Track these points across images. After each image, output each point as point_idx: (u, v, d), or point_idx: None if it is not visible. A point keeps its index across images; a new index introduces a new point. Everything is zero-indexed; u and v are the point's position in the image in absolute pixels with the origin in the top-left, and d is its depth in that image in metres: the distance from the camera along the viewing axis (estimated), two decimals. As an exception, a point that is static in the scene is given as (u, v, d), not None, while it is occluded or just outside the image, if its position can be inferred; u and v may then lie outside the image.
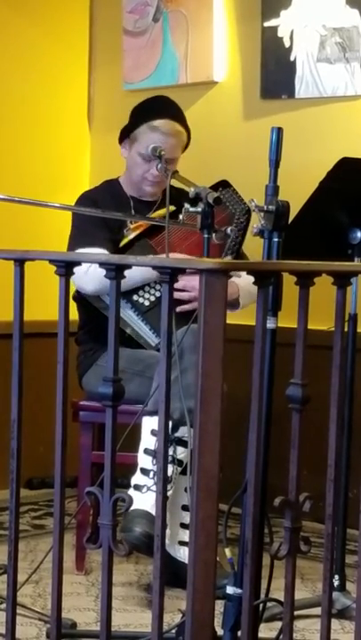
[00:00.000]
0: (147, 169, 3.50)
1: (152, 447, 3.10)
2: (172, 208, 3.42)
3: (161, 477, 1.78)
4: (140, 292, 3.42)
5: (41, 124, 4.70)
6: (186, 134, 3.53)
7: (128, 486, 3.11)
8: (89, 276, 3.26)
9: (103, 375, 1.84)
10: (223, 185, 3.33)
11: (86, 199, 3.54)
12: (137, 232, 3.45)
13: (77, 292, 3.43)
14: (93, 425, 3.41)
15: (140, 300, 3.41)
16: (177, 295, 3.24)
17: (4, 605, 2.25)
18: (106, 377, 1.82)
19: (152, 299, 3.42)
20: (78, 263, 1.95)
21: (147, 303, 3.42)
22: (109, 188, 3.63)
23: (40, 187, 4.44)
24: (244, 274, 3.28)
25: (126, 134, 3.54)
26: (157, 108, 3.54)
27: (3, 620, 2.05)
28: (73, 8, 4.83)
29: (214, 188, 3.18)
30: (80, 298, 3.44)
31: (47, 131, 4.72)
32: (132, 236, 3.45)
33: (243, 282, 3.35)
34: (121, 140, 3.57)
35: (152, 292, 3.43)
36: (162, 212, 3.46)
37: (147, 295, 3.42)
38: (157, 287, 3.42)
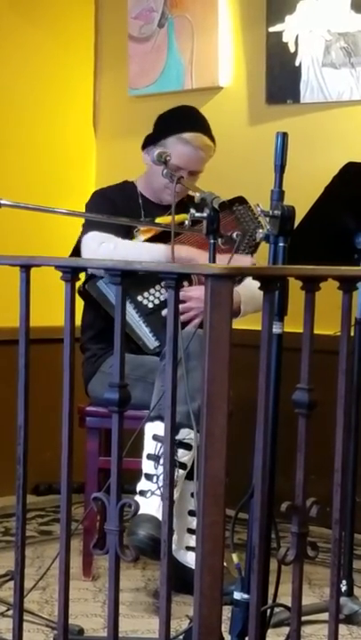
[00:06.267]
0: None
1: (154, 452, 3.10)
2: (186, 216, 3.43)
3: (167, 482, 1.78)
4: (145, 294, 3.41)
5: (46, 130, 4.71)
6: (213, 148, 3.52)
7: (134, 492, 3.11)
8: (101, 254, 3.24)
9: (108, 381, 1.84)
10: (240, 201, 3.33)
11: (101, 197, 3.54)
12: (146, 236, 3.44)
13: (84, 286, 3.39)
14: (100, 430, 3.41)
15: (145, 301, 3.41)
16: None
17: (11, 612, 2.25)
18: (112, 382, 1.82)
19: (156, 302, 3.41)
20: (84, 269, 1.95)
21: (150, 305, 3.41)
22: (123, 188, 3.62)
23: (46, 193, 4.44)
24: (247, 281, 3.28)
25: (153, 142, 3.50)
26: (188, 119, 3.51)
27: (10, 626, 2.05)
28: (78, 14, 4.84)
29: (230, 203, 3.19)
30: (85, 293, 3.42)
31: (53, 137, 4.73)
32: (141, 238, 3.44)
33: (246, 289, 3.34)
34: (145, 145, 3.54)
35: (157, 294, 3.42)
36: (170, 218, 3.46)
37: (151, 298, 3.42)
38: (163, 291, 3.41)
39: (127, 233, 3.44)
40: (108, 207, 3.43)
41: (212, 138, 3.52)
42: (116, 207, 3.45)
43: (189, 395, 2.90)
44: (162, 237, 3.40)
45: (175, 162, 3.41)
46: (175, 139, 3.45)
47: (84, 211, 3.54)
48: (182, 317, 3.27)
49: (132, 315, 3.38)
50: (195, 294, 3.31)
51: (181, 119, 3.52)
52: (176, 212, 3.49)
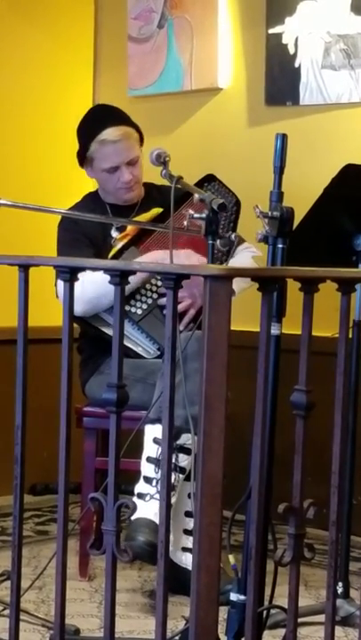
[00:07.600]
0: (117, 179, 3.51)
1: (154, 455, 3.10)
2: (159, 210, 3.44)
3: (165, 484, 1.77)
4: (132, 302, 3.39)
5: (46, 130, 4.70)
6: (134, 131, 3.53)
7: (132, 493, 3.11)
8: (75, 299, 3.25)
9: (106, 382, 1.84)
10: (209, 179, 3.33)
11: (67, 224, 3.53)
12: (124, 241, 3.44)
13: None
14: (97, 431, 3.40)
15: (133, 309, 3.39)
16: (164, 301, 3.25)
17: (7, 611, 2.25)
18: (110, 383, 1.82)
19: (144, 307, 3.40)
20: (83, 269, 1.95)
21: (139, 312, 3.39)
22: (88, 201, 3.64)
23: (45, 192, 4.44)
24: (238, 256, 3.24)
25: (82, 157, 3.55)
26: (97, 119, 3.54)
27: (6, 626, 2.05)
28: (78, 14, 4.84)
29: (200, 183, 3.21)
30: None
31: (52, 137, 4.73)
32: (119, 245, 3.44)
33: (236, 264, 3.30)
34: (80, 163, 3.58)
35: (143, 299, 3.40)
36: (146, 215, 3.47)
37: (138, 304, 3.40)
38: (148, 294, 3.41)
39: (103, 244, 3.44)
40: (75, 233, 3.47)
41: (128, 123, 3.53)
42: (84, 227, 3.46)
43: (189, 398, 2.90)
44: (138, 239, 3.42)
45: (108, 164, 3.47)
46: (95, 144, 3.49)
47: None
48: (178, 307, 3.26)
49: (125, 328, 3.36)
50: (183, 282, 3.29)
51: (92, 123, 3.54)
52: (144, 209, 3.51)
